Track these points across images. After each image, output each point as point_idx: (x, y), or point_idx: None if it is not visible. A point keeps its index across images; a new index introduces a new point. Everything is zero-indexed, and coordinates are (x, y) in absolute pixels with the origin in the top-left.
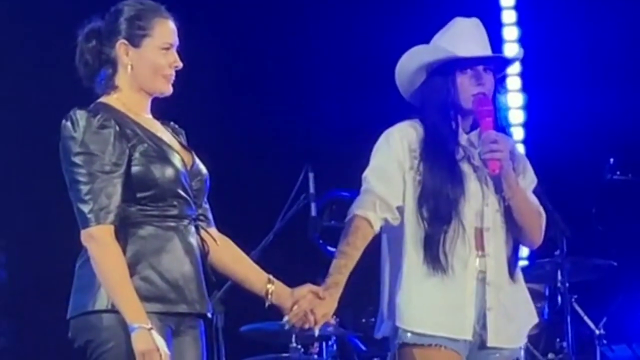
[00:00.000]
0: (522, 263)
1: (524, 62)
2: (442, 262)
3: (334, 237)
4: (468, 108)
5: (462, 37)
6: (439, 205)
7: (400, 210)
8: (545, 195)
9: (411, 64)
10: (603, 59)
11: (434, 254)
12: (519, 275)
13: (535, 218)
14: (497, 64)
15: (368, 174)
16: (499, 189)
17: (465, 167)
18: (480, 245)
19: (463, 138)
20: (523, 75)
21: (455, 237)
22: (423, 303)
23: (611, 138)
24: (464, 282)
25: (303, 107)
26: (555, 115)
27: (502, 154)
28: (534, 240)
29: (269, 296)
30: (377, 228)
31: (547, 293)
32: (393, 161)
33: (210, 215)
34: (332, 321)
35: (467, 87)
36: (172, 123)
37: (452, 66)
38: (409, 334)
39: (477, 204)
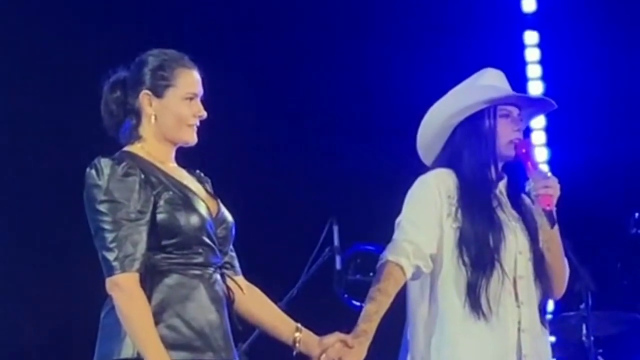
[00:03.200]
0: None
1: (548, 116)
2: (485, 309)
3: (359, 291)
4: (507, 154)
5: (498, 82)
6: (480, 253)
7: (433, 258)
8: (571, 249)
9: (450, 107)
10: (628, 112)
11: (477, 301)
12: (547, 324)
13: (564, 267)
14: (526, 111)
15: (402, 220)
16: (530, 237)
17: (501, 215)
18: (515, 294)
19: (496, 186)
20: (547, 129)
21: (497, 285)
22: (469, 348)
23: (636, 192)
24: (507, 330)
25: (328, 159)
26: (580, 169)
27: (554, 190)
28: (559, 290)
29: (297, 344)
30: (409, 275)
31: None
32: (429, 207)
33: (236, 263)
34: None
35: (507, 133)
36: (197, 171)
37: (493, 111)
38: None
39: (512, 252)
